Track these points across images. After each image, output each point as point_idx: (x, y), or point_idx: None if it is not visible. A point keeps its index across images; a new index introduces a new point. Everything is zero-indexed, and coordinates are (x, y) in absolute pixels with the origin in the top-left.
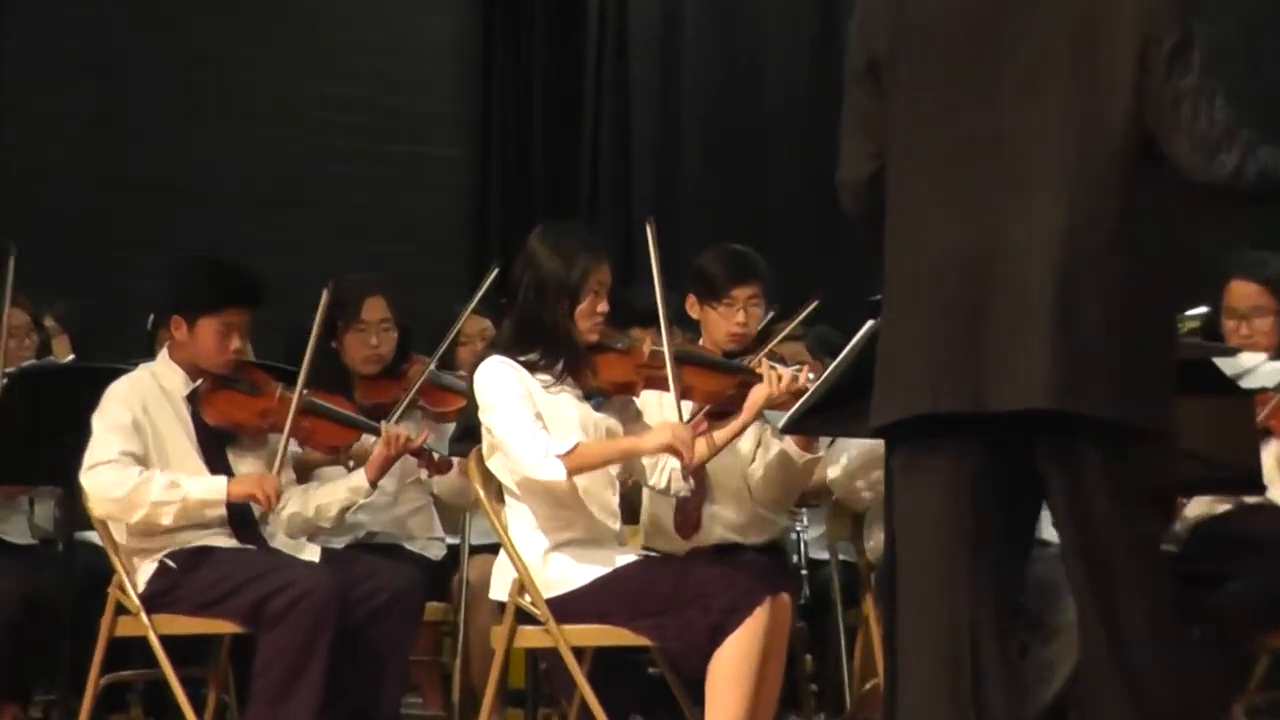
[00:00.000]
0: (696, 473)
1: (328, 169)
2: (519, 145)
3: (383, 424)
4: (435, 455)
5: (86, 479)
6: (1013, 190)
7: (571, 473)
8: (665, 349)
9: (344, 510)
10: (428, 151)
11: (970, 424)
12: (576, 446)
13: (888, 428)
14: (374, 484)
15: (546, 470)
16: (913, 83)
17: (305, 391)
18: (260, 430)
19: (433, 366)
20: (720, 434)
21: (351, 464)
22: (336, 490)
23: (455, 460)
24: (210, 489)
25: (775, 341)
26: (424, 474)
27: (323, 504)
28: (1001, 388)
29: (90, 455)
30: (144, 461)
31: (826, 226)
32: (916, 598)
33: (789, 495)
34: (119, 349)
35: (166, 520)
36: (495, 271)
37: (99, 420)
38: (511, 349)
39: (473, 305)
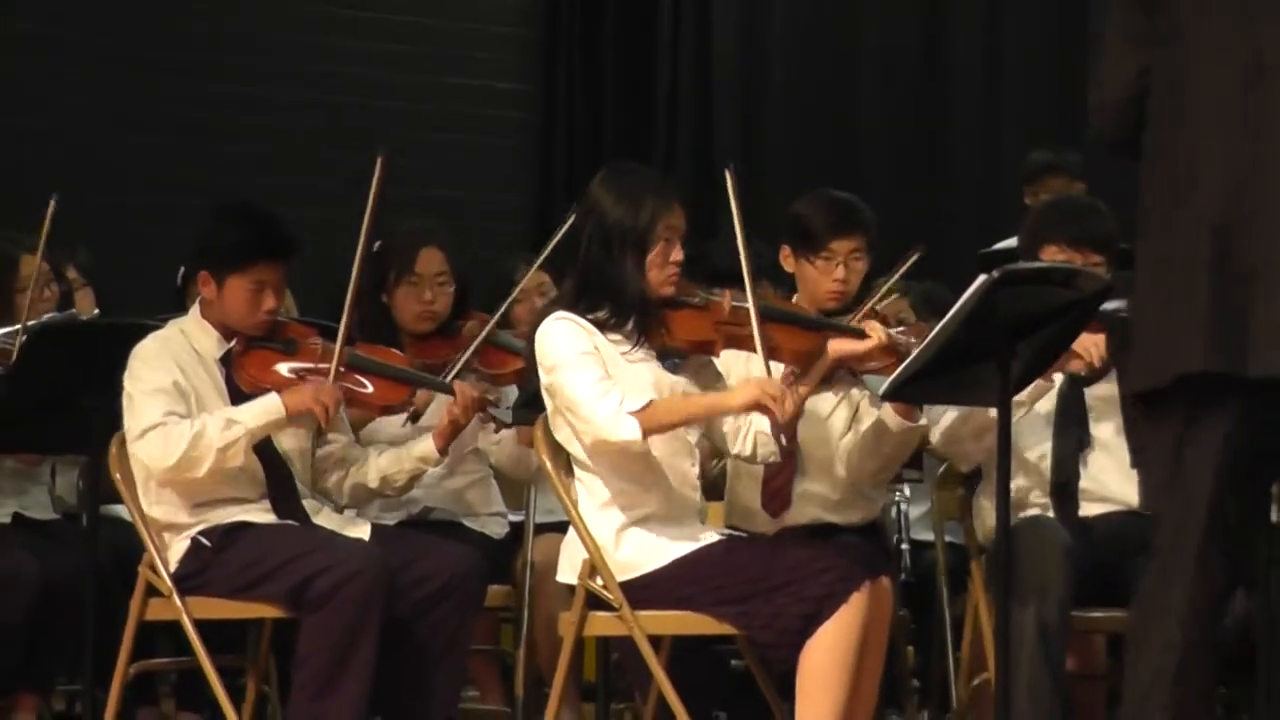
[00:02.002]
0: (788, 440)
1: (374, 105)
2: (589, 81)
3: (453, 381)
4: (498, 418)
5: (137, 448)
6: None
7: (647, 432)
8: (750, 303)
9: (412, 479)
10: (488, 85)
11: (1231, 390)
12: (651, 403)
13: (1144, 393)
14: (444, 451)
15: (620, 428)
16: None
17: (351, 343)
18: None
19: (494, 323)
20: (803, 388)
21: (408, 421)
22: (402, 458)
23: (516, 428)
24: (267, 410)
25: (876, 300)
26: (483, 437)
27: (389, 473)
28: (1265, 352)
29: (135, 423)
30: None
31: (927, 174)
32: (1164, 573)
33: (886, 468)
34: (147, 303)
35: (238, 460)
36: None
37: (135, 384)
38: (576, 306)
39: (544, 257)
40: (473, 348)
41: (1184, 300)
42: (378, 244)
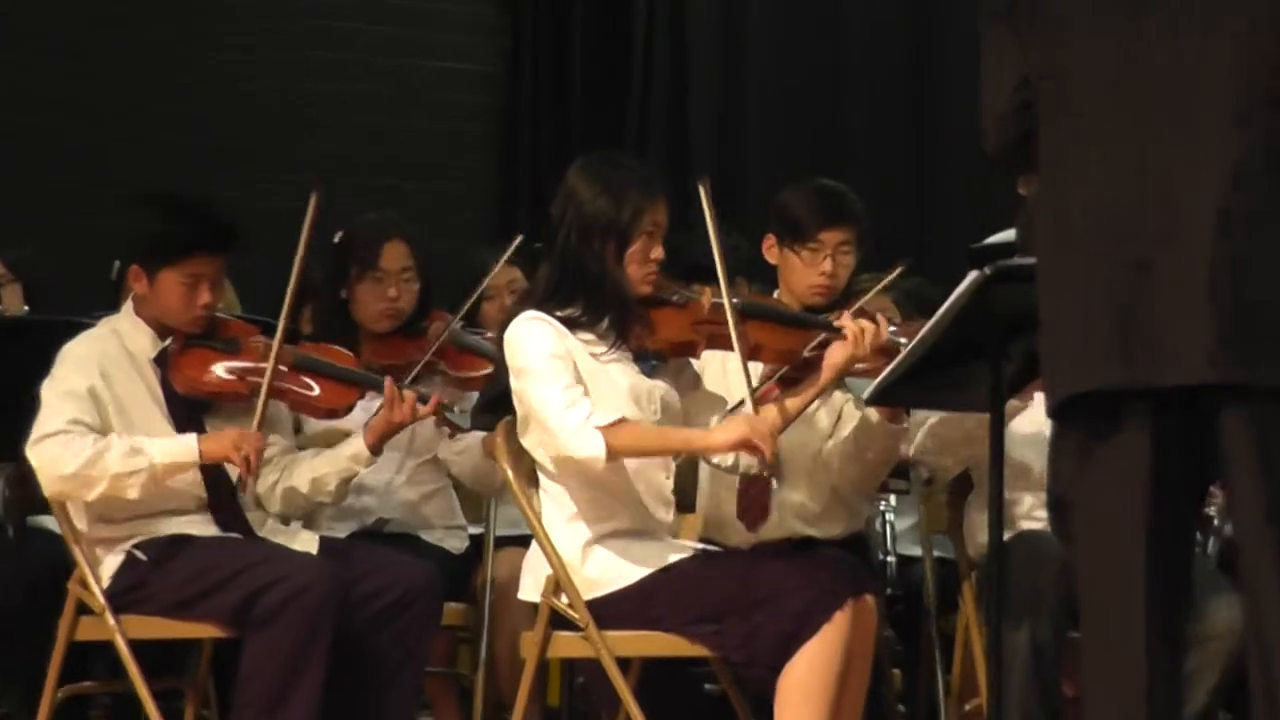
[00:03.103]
0: (777, 481)
1: (326, 87)
2: (557, 62)
3: (386, 380)
4: (457, 424)
5: (34, 453)
6: (1181, 129)
7: (612, 452)
8: (725, 300)
9: (344, 482)
10: (448, 67)
11: (1144, 399)
12: (622, 421)
13: (1055, 407)
14: (375, 450)
15: (583, 443)
16: (1069, 11)
17: (296, 342)
18: (242, 396)
19: (458, 323)
20: (793, 401)
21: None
22: (334, 459)
23: (478, 433)
24: (179, 450)
25: (864, 300)
26: (442, 447)
27: (319, 475)
28: (1170, 359)
29: (38, 426)
30: (101, 433)
31: (917, 165)
32: (1098, 600)
33: (872, 475)
34: (80, 300)
35: (133, 494)
36: (518, 239)
37: (50, 387)
38: (548, 302)
39: (507, 255)
40: (433, 349)
41: (1078, 307)
42: (339, 235)
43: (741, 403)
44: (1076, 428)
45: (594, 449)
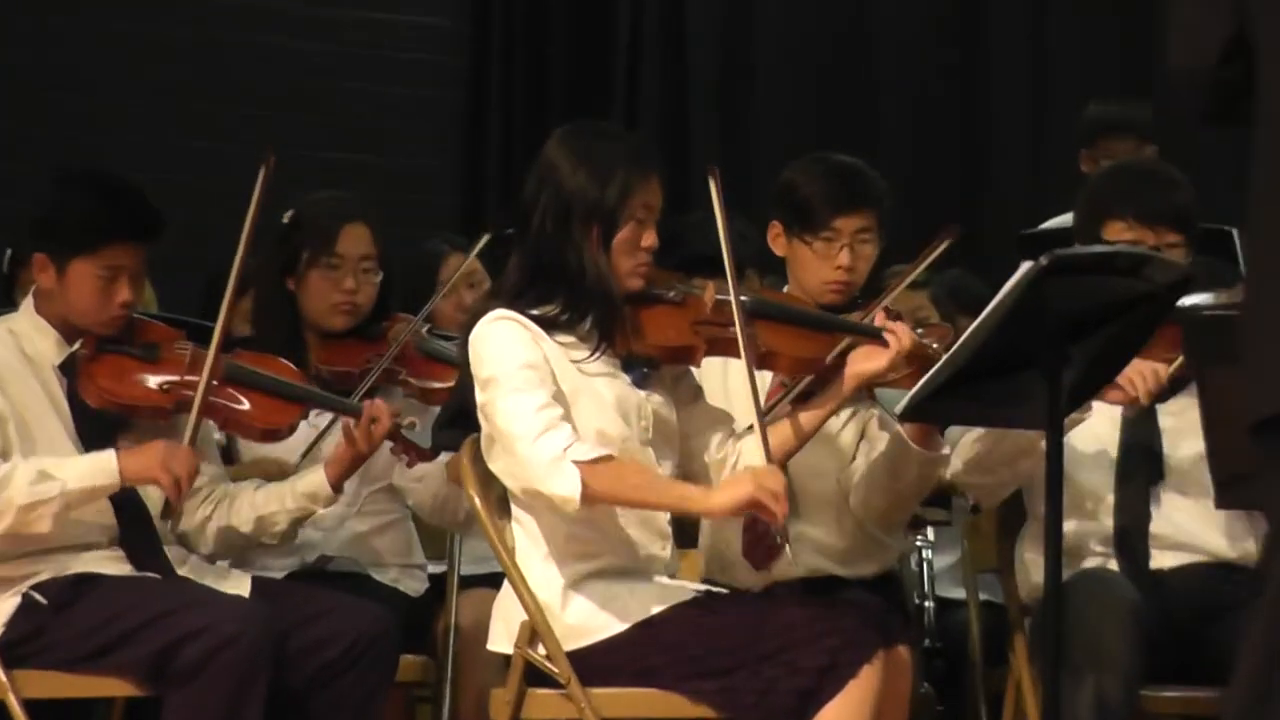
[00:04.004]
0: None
1: (258, 42)
2: (532, 15)
3: (366, 403)
4: (416, 445)
5: None
6: None
7: (590, 495)
8: (732, 297)
9: (296, 523)
10: (402, 19)
11: None
12: (607, 459)
13: (1265, 421)
14: (338, 487)
15: (557, 480)
16: None
17: (229, 350)
18: (163, 411)
19: (421, 325)
20: (807, 416)
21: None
22: (284, 495)
23: (443, 455)
24: (95, 471)
25: (895, 292)
26: (397, 473)
27: (266, 514)
28: None
29: None
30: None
31: (958, 132)
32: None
33: (899, 507)
34: None
35: (44, 527)
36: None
37: None
38: (520, 299)
39: (477, 249)
40: (390, 354)
41: None
42: (289, 214)
43: (750, 428)
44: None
45: (569, 488)
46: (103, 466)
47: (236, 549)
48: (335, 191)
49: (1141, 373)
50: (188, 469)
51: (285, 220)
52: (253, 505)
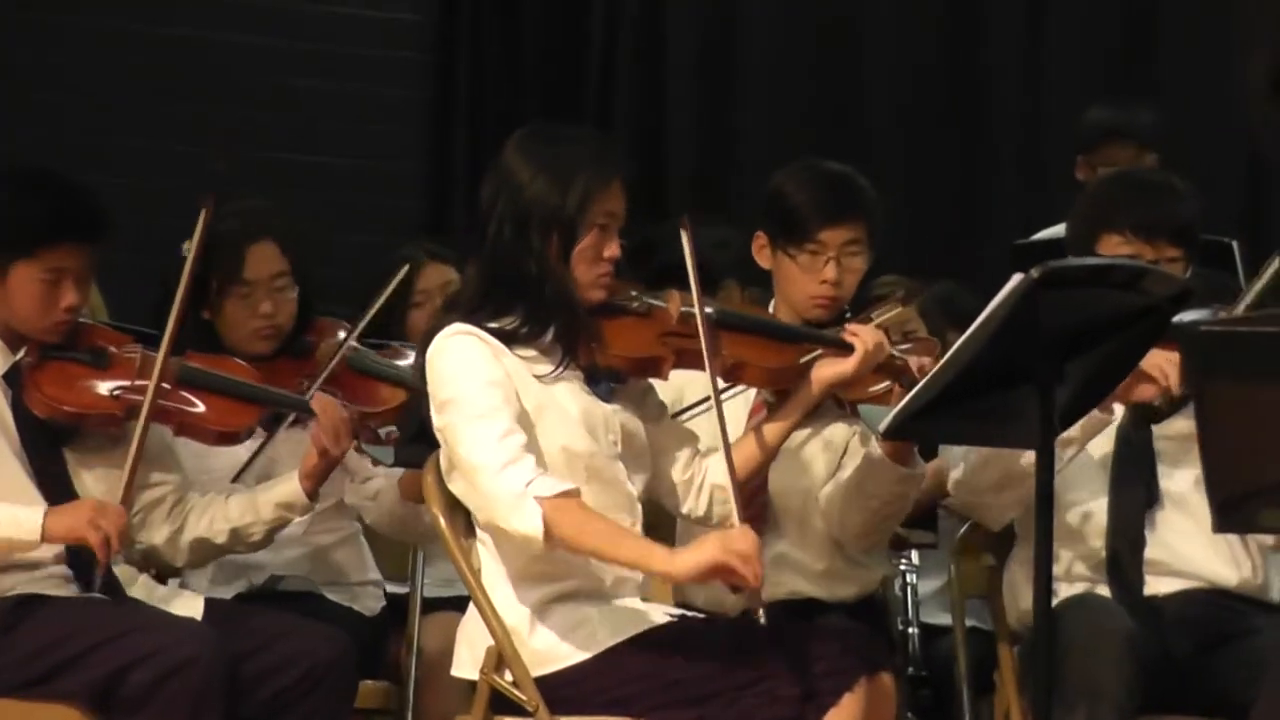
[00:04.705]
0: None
1: (217, 39)
2: (501, 12)
3: (315, 395)
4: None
5: None
6: None
7: (552, 535)
8: (696, 308)
9: (271, 532)
10: (363, 14)
11: None
12: (573, 494)
13: None
14: (313, 496)
15: (519, 517)
16: None
17: (180, 352)
18: (113, 419)
19: (356, 334)
20: (773, 428)
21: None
22: (258, 506)
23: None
24: (16, 525)
25: (884, 314)
26: (349, 490)
27: (241, 525)
28: None
29: None
30: None
31: (951, 139)
32: None
33: (876, 528)
34: None
35: None
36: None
37: None
38: (478, 312)
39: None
40: (324, 374)
41: None
42: (187, 245)
43: (715, 449)
44: None
45: (530, 526)
46: (25, 522)
47: (209, 561)
48: (237, 203)
49: (1165, 363)
50: (117, 526)
51: (184, 251)
52: (226, 518)
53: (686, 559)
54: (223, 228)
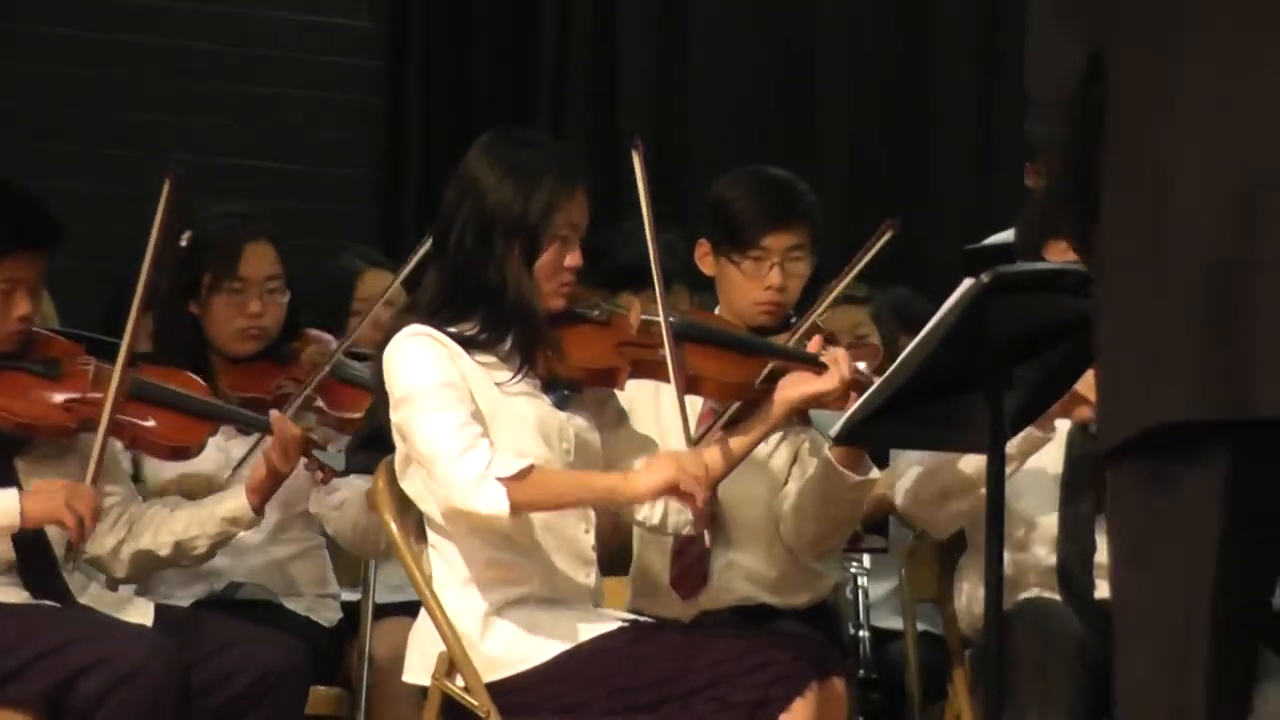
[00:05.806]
0: (710, 535)
1: (170, 46)
2: (453, 15)
3: (273, 414)
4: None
5: None
6: None
7: (517, 507)
8: (661, 317)
9: (216, 546)
10: (315, 20)
11: (1227, 431)
12: (530, 470)
13: (1119, 446)
14: (259, 510)
15: (482, 498)
16: None
17: (133, 364)
18: (65, 429)
19: (344, 346)
20: (737, 442)
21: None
22: (203, 518)
23: (358, 482)
24: None
25: (823, 308)
26: (314, 500)
27: (185, 538)
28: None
29: None
30: None
31: (902, 152)
32: (1146, 684)
33: (830, 535)
34: None
35: None
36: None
37: None
38: (436, 315)
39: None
40: (316, 379)
41: (1162, 331)
42: (187, 235)
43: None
44: (1134, 469)
45: (494, 505)
46: (4, 507)
47: (150, 573)
48: (234, 206)
49: None
50: (90, 507)
51: (183, 243)
52: (171, 530)
53: (645, 478)
54: (222, 224)
